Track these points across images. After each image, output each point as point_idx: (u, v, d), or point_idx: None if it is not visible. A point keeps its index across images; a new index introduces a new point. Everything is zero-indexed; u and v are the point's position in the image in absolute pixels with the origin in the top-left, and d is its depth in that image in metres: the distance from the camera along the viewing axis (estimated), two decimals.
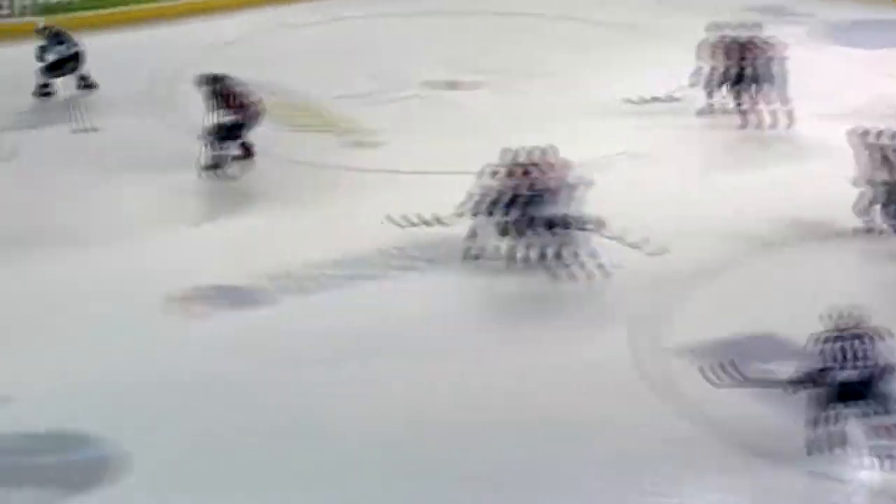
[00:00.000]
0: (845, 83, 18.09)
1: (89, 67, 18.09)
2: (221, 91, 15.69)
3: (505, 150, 14.10)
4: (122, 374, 11.92)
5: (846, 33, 20.19)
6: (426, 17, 21.27)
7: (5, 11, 20.65)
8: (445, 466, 10.76)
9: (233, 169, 15.73)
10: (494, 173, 13.92)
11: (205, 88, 15.75)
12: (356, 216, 14.82)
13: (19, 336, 12.48)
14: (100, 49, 18.44)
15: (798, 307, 12.61)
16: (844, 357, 10.59)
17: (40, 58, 17.91)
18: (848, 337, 10.69)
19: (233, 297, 13.19)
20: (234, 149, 15.75)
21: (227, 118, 15.64)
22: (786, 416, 11.09)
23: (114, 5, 20.80)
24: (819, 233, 14.46)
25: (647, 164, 16.09)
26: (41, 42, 18.01)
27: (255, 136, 16.03)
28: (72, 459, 10.82)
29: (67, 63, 17.95)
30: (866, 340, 10.67)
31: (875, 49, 19.44)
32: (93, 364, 12.07)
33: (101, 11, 20.56)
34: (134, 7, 20.78)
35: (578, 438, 11.13)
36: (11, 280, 13.45)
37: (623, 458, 10.88)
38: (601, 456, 10.93)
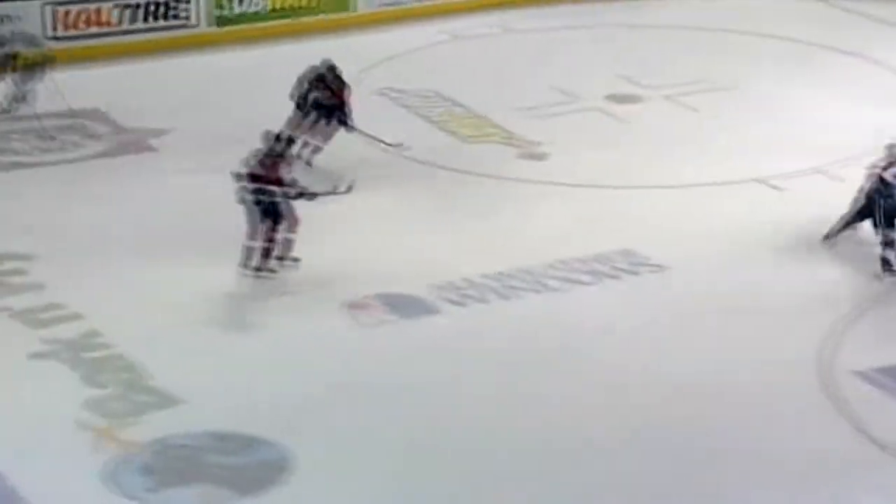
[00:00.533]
0: None
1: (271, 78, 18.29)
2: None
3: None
4: (295, 379, 12.13)
5: None
6: (599, 30, 21.25)
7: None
8: (605, 487, 10.72)
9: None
10: None
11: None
12: (525, 228, 14.86)
13: (199, 340, 12.72)
14: (274, 60, 18.81)
15: None
16: None
17: None
18: None
19: (406, 306, 13.28)
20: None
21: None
22: None
23: (284, 17, 21.15)
24: None
25: None
26: None
27: (426, 147, 16.20)
28: (245, 461, 11.01)
29: None
30: None
31: None
32: (268, 369, 12.29)
33: (272, 23, 20.98)
34: (304, 19, 21.10)
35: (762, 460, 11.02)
36: (189, 282, 13.62)
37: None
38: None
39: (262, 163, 13.51)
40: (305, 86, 16.26)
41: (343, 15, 21.11)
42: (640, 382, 12.01)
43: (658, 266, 13.97)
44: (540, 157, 16.78)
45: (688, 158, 16.51)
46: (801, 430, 11.38)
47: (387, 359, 12.46)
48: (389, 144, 16.30)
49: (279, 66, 17.47)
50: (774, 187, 15.74)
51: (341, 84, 16.29)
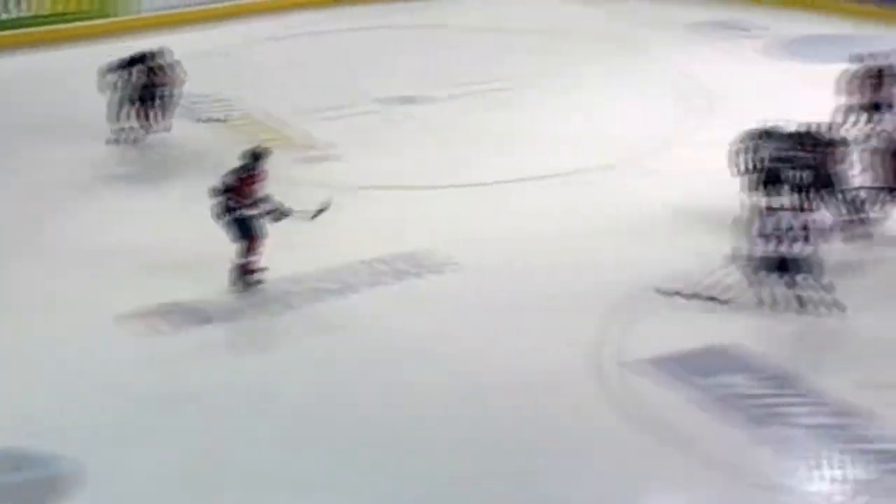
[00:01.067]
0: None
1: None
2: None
3: None
4: (74, 390, 11.88)
5: (801, 47, 20.38)
6: (394, 31, 21.33)
7: None
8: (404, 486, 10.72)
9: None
10: None
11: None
12: (325, 230, 14.67)
13: None
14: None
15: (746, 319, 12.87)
16: None
17: None
18: None
19: (198, 312, 13.13)
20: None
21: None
22: (745, 429, 11.29)
23: (88, 19, 20.89)
24: None
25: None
26: None
27: (217, 153, 16.08)
28: (25, 478, 10.76)
29: None
30: None
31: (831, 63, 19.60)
32: (43, 381, 12.02)
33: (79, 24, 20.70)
34: (108, 20, 20.85)
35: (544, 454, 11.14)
36: None
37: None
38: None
39: (237, 179, 13.41)
40: None
41: (142, 16, 20.89)
42: (437, 382, 12.09)
43: (457, 265, 14.07)
44: (334, 159, 16.80)
45: (485, 157, 16.71)
46: (582, 423, 11.53)
47: (179, 367, 12.32)
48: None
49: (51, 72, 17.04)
50: (571, 183, 15.99)
51: None
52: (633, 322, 13.02)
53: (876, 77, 15.90)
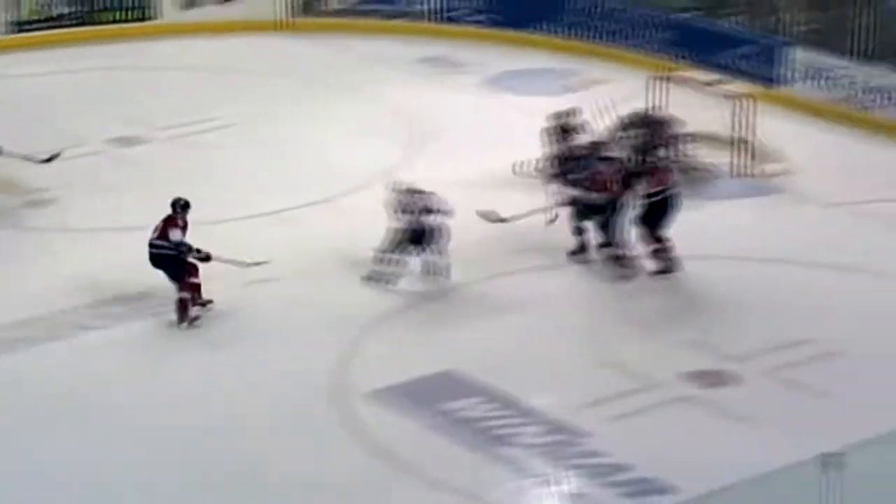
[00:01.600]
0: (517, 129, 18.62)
1: None
2: None
3: None
4: None
5: (510, 82, 20.81)
6: (102, 72, 20.94)
7: None
8: None
9: None
10: None
11: None
12: (31, 276, 14.43)
13: None
14: None
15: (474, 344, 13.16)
16: None
17: None
18: None
19: None
20: None
21: None
22: (476, 451, 11.49)
23: None
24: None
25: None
26: None
27: None
28: None
29: None
30: None
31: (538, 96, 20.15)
32: None
33: None
34: None
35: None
36: None
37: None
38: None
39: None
40: None
41: None
42: (159, 424, 11.90)
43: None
44: (46, 203, 16.37)
45: (200, 197, 16.40)
46: (317, 458, 11.51)
47: None
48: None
49: None
50: (286, 220, 15.94)
51: None
52: (362, 353, 13.08)
53: (562, 130, 16.46)
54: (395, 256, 14.36)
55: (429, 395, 12.32)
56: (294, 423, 11.97)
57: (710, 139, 17.40)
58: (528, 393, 12.30)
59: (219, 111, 19.30)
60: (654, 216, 14.68)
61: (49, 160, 16.57)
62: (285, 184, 16.89)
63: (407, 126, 18.73)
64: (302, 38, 22.82)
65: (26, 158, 16.40)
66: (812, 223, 15.99)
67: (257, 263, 14.09)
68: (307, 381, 12.57)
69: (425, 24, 23.12)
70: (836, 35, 19.41)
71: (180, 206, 13.68)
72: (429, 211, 14.34)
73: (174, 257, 13.52)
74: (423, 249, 14.38)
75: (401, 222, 14.40)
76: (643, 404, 12.19)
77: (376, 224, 14.60)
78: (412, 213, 14.35)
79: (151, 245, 13.58)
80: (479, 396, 12.30)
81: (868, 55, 18.95)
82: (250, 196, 16.49)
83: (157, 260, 13.59)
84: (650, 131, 16.33)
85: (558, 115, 16.33)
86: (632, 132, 16.26)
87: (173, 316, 13.53)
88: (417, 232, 14.35)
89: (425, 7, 23.19)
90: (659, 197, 14.66)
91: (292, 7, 23.44)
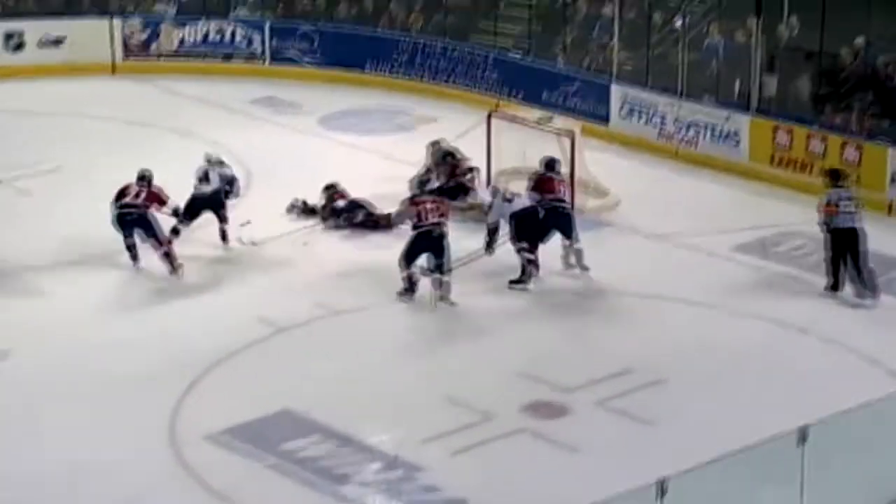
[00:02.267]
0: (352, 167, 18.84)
1: None
2: None
3: None
4: None
5: (344, 121, 21.05)
6: None
7: None
8: None
9: None
10: None
11: None
12: None
13: None
14: None
15: (309, 382, 13.29)
16: None
17: None
18: None
19: None
20: None
21: None
22: (318, 490, 11.62)
23: None
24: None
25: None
26: None
27: None
28: None
29: None
30: None
31: (372, 135, 20.40)
32: None
33: None
34: None
35: None
36: None
37: None
38: None
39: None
40: None
41: None
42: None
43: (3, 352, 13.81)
44: None
45: (28, 241, 16.42)
46: (160, 501, 11.52)
47: None
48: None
49: None
50: (116, 265, 15.88)
51: None
52: (199, 395, 13.12)
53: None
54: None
55: (268, 436, 12.40)
56: (133, 469, 11.92)
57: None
58: (366, 430, 12.46)
59: (46, 155, 19.19)
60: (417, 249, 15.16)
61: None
62: (83, 231, 16.67)
63: (239, 168, 18.80)
64: (130, 82, 22.83)
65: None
66: (637, 255, 16.50)
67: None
68: (145, 425, 12.56)
69: (257, 66, 23.28)
70: (659, 73, 20.06)
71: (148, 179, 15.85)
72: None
73: (143, 218, 15.62)
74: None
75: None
76: (481, 437, 12.44)
77: (205, 264, 14.64)
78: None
79: (124, 207, 15.58)
80: (318, 434, 12.42)
81: (688, 92, 19.61)
82: (77, 240, 16.41)
83: (130, 222, 15.63)
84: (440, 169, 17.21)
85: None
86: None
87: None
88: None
89: (256, 48, 23.35)
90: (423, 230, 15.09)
91: (122, 50, 23.40)
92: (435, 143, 17.75)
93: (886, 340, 14.17)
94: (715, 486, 9.98)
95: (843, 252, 15.14)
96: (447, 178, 17.30)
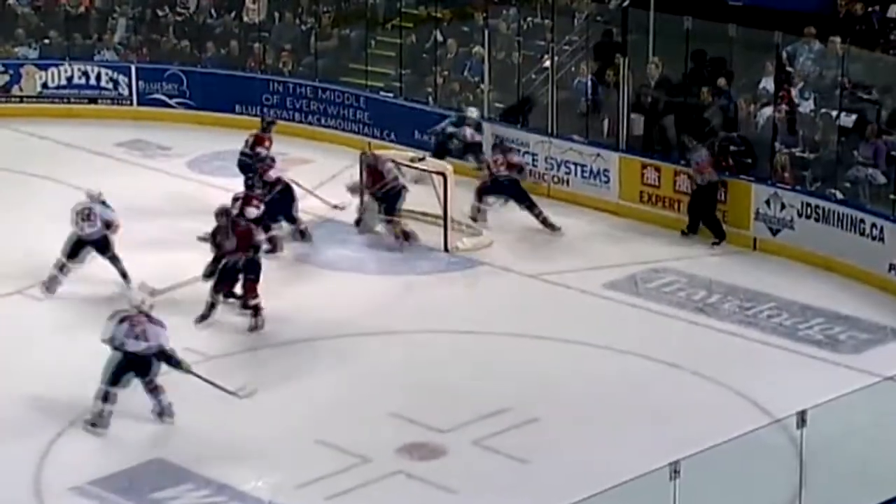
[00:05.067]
0: None
1: None
2: None
3: None
4: None
5: (214, 164, 21.04)
6: None
7: None
8: None
9: None
10: None
11: None
12: None
13: None
14: None
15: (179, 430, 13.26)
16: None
17: None
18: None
19: None
20: None
21: None
22: None
23: None
24: None
25: None
26: None
27: None
28: None
29: None
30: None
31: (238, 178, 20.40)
32: None
33: None
34: None
35: None
36: None
37: None
38: None
39: None
40: None
41: None
42: None
43: None
44: None
45: None
46: None
47: None
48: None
49: None
50: None
51: None
52: (66, 445, 13.03)
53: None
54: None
55: (140, 486, 12.36)
56: None
57: (413, 216, 18.09)
58: (240, 477, 12.48)
59: None
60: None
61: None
62: None
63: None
64: None
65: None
66: (510, 294, 16.74)
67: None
68: (12, 477, 12.42)
69: (123, 108, 23.15)
70: (530, 112, 20.40)
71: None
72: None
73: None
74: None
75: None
76: (357, 481, 12.52)
77: (77, 311, 14.45)
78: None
79: None
80: (190, 483, 12.41)
81: (557, 131, 19.95)
82: None
83: None
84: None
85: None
86: None
87: None
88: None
89: (122, 91, 23.23)
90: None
91: None
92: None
93: (755, 374, 14.55)
94: None
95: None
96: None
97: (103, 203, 16.49)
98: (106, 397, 13.28)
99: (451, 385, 14.41)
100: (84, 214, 16.22)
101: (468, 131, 19.79)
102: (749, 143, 18.40)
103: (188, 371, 13.56)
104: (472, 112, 20.05)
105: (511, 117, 20.30)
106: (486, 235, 18.22)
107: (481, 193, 18.73)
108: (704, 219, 18.17)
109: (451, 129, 19.98)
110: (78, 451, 12.96)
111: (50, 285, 16.22)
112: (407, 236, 17.81)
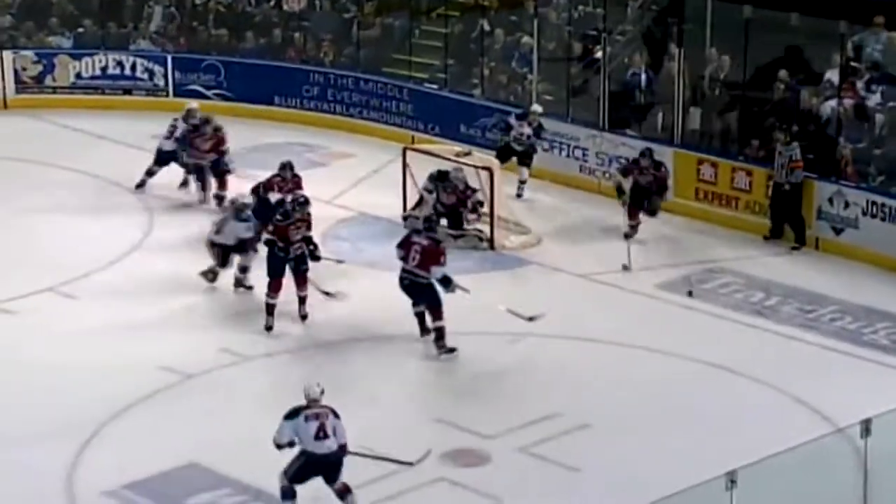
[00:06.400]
0: None
1: None
2: None
3: None
4: None
5: (253, 157, 20.78)
6: None
7: None
8: None
9: None
10: None
11: None
12: None
13: None
14: None
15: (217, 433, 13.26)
16: None
17: None
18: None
19: None
20: None
21: None
22: None
23: None
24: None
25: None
26: None
27: None
28: None
29: None
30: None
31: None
32: None
33: None
34: None
35: None
36: None
37: None
38: None
39: None
40: None
41: None
42: None
43: None
44: None
45: None
46: None
47: None
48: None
49: None
50: (7, 311, 15.83)
51: None
52: (102, 448, 13.06)
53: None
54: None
55: (174, 490, 12.38)
56: None
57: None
58: (278, 482, 12.44)
59: None
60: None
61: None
62: (8, 272, 16.75)
63: (144, 204, 18.79)
64: (20, 117, 22.55)
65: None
66: (560, 294, 16.65)
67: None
68: (45, 480, 12.46)
69: (158, 100, 23.23)
70: (577, 105, 20.31)
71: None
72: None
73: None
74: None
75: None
76: (402, 486, 12.48)
77: (113, 309, 14.50)
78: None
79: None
80: (228, 488, 12.42)
81: (608, 125, 19.86)
82: None
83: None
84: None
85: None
86: None
87: None
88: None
89: (158, 81, 23.31)
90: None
91: (14, 84, 23.22)
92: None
93: (816, 380, 14.43)
94: None
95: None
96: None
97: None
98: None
99: (497, 389, 14.36)
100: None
101: (527, 129, 19.28)
102: (813, 135, 18.25)
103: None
104: (536, 108, 19.66)
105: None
106: (534, 234, 18.16)
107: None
108: (792, 221, 17.93)
109: (511, 121, 19.51)
110: (111, 455, 12.97)
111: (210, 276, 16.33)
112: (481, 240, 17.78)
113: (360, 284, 16.55)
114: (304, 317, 15.58)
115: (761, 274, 16.93)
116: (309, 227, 15.64)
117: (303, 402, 11.85)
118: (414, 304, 15.13)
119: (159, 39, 23.80)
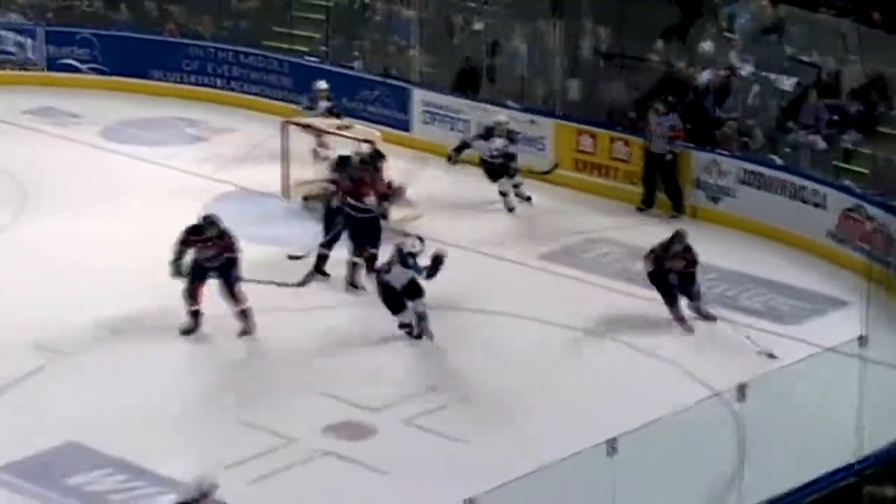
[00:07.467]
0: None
1: None
2: None
3: None
4: None
5: (130, 131, 20.94)
6: None
7: None
8: None
9: None
10: None
11: None
12: None
13: None
14: None
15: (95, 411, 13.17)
16: None
17: None
18: None
19: None
20: None
21: None
22: None
23: None
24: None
25: None
26: None
27: None
28: None
29: None
30: None
31: (164, 146, 20.36)
32: None
33: None
34: None
35: None
36: None
37: None
38: None
39: None
40: None
41: None
42: None
43: None
44: None
45: None
46: None
47: None
48: None
49: None
50: None
51: None
52: None
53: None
54: None
55: (53, 470, 12.29)
56: None
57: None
58: (160, 460, 12.43)
59: None
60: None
61: None
62: None
63: (16, 184, 18.59)
64: None
65: None
66: (442, 267, 16.75)
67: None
68: None
69: (31, 74, 22.92)
70: (459, 78, 20.43)
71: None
72: None
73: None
74: None
75: None
76: (284, 462, 12.54)
77: None
78: None
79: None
80: (109, 468, 12.36)
81: (492, 98, 20.01)
82: None
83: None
84: None
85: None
86: None
87: None
88: None
89: (31, 55, 22.99)
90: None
91: None
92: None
93: (693, 349, 14.74)
94: (526, 502, 10.29)
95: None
96: None
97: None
98: None
99: (379, 363, 14.47)
100: None
101: (498, 142, 18.35)
102: (690, 106, 18.55)
103: None
104: (500, 119, 18.65)
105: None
106: (416, 206, 18.23)
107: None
108: (670, 190, 18.26)
109: (474, 144, 18.67)
110: None
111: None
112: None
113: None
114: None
115: (640, 242, 17.19)
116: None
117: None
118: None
119: (30, 13, 23.48)
